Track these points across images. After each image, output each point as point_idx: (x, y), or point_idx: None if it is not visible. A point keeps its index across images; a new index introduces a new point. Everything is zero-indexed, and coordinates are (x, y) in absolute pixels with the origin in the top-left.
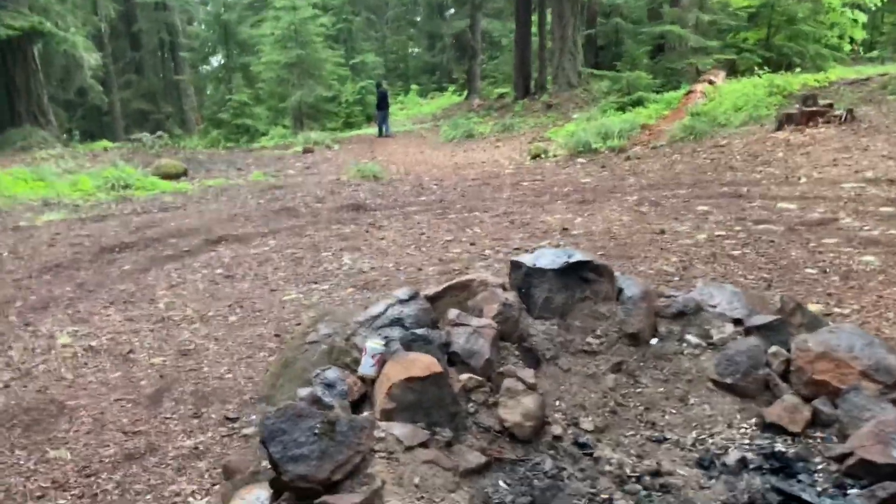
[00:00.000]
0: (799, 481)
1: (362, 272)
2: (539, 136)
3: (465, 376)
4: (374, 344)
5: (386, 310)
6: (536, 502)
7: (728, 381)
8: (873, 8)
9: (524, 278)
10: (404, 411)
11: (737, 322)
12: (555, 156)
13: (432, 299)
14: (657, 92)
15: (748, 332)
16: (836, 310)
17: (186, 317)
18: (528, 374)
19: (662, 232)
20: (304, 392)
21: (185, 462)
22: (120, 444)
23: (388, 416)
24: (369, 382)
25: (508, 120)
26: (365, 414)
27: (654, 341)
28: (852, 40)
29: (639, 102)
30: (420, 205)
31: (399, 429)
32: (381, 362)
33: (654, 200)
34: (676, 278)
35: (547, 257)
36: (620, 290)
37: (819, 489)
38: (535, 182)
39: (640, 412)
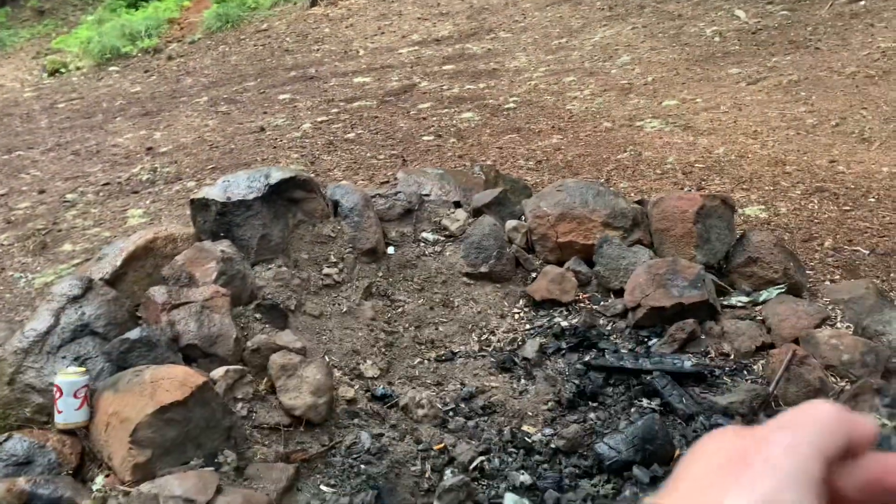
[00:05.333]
0: (601, 350)
1: None
2: (45, 49)
3: (219, 372)
4: (69, 376)
5: (57, 318)
6: (383, 492)
7: (482, 269)
8: None
9: (219, 219)
10: (168, 455)
11: (457, 205)
12: (78, 68)
13: (111, 283)
14: None
15: (477, 213)
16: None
17: None
18: (288, 338)
19: (262, 129)
20: None
21: None
22: None
23: (142, 471)
24: (82, 434)
25: None
26: (99, 481)
27: (390, 250)
28: None
29: None
30: None
31: (178, 484)
32: (89, 397)
33: (229, 98)
34: (312, 175)
35: (238, 185)
36: (336, 203)
37: (625, 351)
38: (73, 102)
39: (413, 334)
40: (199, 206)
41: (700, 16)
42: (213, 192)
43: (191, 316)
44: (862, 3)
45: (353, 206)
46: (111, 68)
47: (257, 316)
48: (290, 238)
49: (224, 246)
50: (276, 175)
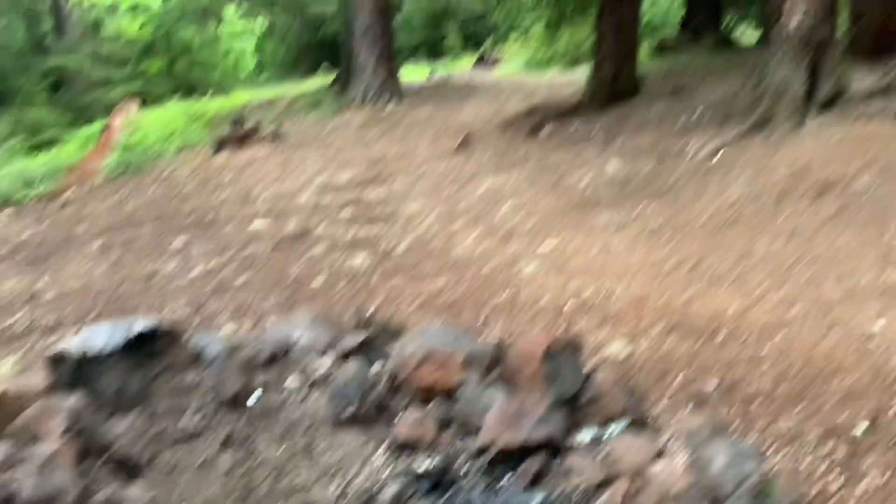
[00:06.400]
0: (456, 492)
1: None
2: None
3: None
4: None
5: None
6: None
7: (347, 414)
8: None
9: (77, 372)
10: None
11: (325, 350)
12: None
13: None
14: (71, 128)
15: (344, 357)
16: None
17: None
18: (136, 492)
19: (152, 275)
20: None
21: None
22: None
23: None
24: None
25: None
26: None
27: (254, 399)
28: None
29: (52, 142)
30: None
31: None
32: None
33: (122, 243)
34: (197, 321)
35: (99, 337)
36: (200, 352)
37: (479, 489)
38: None
39: (271, 484)
40: (56, 359)
41: (577, 168)
42: (73, 344)
43: (32, 472)
44: (715, 160)
45: (217, 355)
46: (0, 215)
47: (106, 470)
48: (149, 389)
49: (75, 399)
50: (139, 326)
